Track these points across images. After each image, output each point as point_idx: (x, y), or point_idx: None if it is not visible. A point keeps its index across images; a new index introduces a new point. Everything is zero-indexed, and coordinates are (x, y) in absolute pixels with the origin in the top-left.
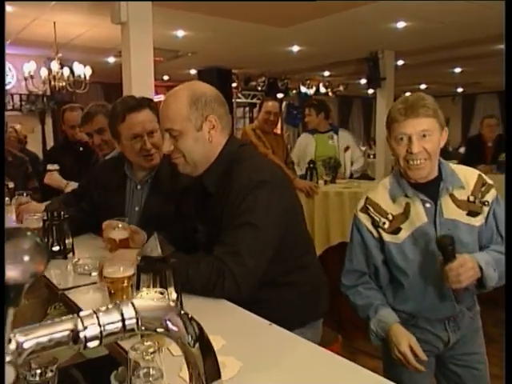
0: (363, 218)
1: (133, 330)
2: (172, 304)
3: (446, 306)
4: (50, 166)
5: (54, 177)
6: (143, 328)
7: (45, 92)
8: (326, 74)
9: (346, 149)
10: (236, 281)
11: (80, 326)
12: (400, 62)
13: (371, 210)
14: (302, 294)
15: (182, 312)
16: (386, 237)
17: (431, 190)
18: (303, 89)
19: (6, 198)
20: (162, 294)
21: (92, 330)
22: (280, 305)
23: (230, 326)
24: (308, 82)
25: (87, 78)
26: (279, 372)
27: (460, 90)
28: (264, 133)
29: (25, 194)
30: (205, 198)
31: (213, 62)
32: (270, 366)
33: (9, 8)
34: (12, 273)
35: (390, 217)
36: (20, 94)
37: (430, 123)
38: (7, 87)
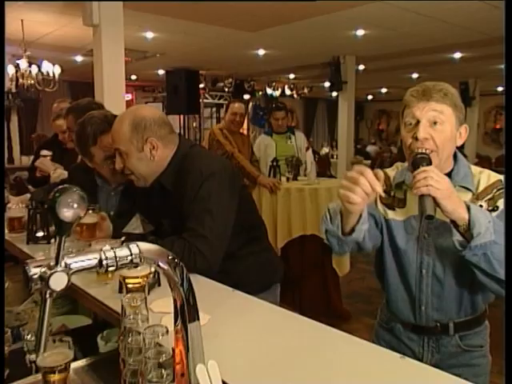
0: None
1: (137, 263)
2: (161, 250)
3: (408, 307)
4: (43, 152)
5: (45, 161)
6: (144, 263)
7: (10, 89)
8: (291, 76)
9: (307, 148)
10: (205, 258)
11: (103, 256)
12: (361, 67)
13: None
14: (259, 261)
15: (171, 257)
16: (379, 205)
17: None
18: (269, 90)
19: None
20: None
21: (111, 259)
22: (242, 273)
23: (200, 293)
24: (274, 84)
25: (56, 76)
26: (241, 324)
27: None
28: (230, 132)
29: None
30: (164, 196)
31: (181, 63)
32: (233, 319)
33: None
34: (67, 214)
35: (392, 193)
36: None
37: (444, 110)
38: None
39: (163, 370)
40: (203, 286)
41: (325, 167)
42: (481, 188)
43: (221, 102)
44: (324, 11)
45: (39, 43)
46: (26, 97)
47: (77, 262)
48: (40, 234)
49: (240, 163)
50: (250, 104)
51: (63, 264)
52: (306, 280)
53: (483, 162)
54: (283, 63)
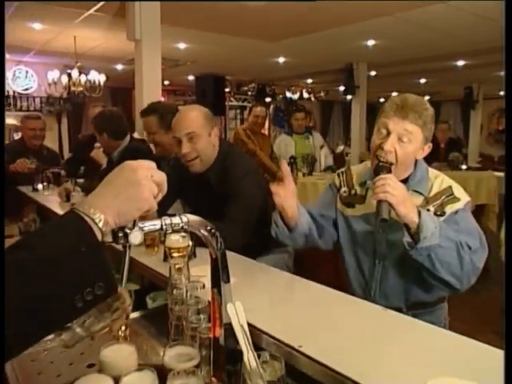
0: (336, 179)
1: (185, 229)
2: (203, 221)
3: (361, 293)
4: (97, 144)
5: (98, 153)
6: (191, 229)
7: (62, 95)
8: (309, 81)
9: (321, 147)
10: (234, 237)
11: (163, 222)
12: (373, 73)
13: (343, 177)
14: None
15: (209, 227)
16: (338, 204)
17: None
18: (288, 94)
19: (43, 183)
20: (183, 237)
21: (168, 225)
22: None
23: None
24: (293, 88)
25: (101, 83)
26: (260, 284)
27: (427, 97)
28: (253, 133)
29: (69, 182)
30: (207, 188)
31: (209, 69)
32: (254, 280)
33: (38, 26)
34: None
35: (353, 192)
36: (40, 97)
37: (414, 131)
38: (29, 91)
39: (201, 315)
40: (229, 257)
41: (340, 164)
42: (432, 193)
43: (244, 104)
44: (338, 24)
45: (87, 55)
46: (74, 102)
47: (146, 225)
48: None
49: (261, 160)
50: (271, 106)
51: (138, 226)
52: (320, 265)
53: (486, 160)
54: (301, 69)
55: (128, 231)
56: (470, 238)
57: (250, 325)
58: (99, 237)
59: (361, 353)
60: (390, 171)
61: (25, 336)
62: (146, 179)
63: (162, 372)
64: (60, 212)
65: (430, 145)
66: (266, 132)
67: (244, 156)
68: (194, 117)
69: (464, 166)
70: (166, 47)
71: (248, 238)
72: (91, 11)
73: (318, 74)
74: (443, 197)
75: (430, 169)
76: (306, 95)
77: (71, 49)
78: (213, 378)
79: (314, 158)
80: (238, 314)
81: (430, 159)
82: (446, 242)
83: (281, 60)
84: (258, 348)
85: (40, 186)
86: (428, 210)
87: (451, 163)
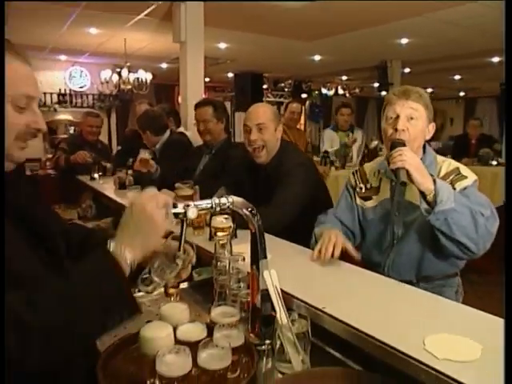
0: (351, 178)
1: (231, 209)
2: (245, 202)
3: (376, 269)
4: None
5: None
6: (235, 209)
7: (112, 92)
8: (344, 78)
9: (354, 141)
10: (274, 216)
11: (213, 202)
12: (407, 70)
13: (358, 175)
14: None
15: (250, 208)
16: (358, 200)
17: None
18: (324, 90)
19: (99, 173)
20: (226, 218)
21: (217, 204)
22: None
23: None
24: (328, 84)
25: (148, 81)
26: (293, 260)
27: (462, 93)
28: (289, 128)
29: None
30: (262, 178)
31: (247, 67)
32: (289, 258)
33: (94, 30)
34: None
35: (369, 185)
36: (92, 94)
37: (419, 108)
38: (83, 89)
39: (241, 283)
40: (268, 239)
41: (373, 158)
42: (441, 174)
43: (281, 100)
44: (372, 24)
45: (135, 55)
46: (122, 98)
47: (200, 204)
48: None
49: None
50: (307, 102)
51: (193, 204)
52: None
53: None
54: (337, 67)
55: (186, 208)
56: (481, 208)
57: (282, 290)
58: (127, 270)
59: (374, 313)
60: (404, 145)
61: (72, 346)
62: (154, 210)
63: (209, 326)
64: (114, 197)
65: (434, 124)
66: (302, 127)
67: (299, 151)
68: (264, 111)
69: (494, 162)
70: (208, 47)
71: (289, 221)
72: (141, 15)
73: (353, 71)
74: (452, 176)
75: (437, 155)
76: (341, 91)
77: (121, 50)
78: (250, 334)
79: (346, 152)
80: (272, 278)
81: (459, 154)
82: (461, 208)
83: (316, 58)
84: (288, 309)
85: (96, 176)
86: None
87: (481, 159)
